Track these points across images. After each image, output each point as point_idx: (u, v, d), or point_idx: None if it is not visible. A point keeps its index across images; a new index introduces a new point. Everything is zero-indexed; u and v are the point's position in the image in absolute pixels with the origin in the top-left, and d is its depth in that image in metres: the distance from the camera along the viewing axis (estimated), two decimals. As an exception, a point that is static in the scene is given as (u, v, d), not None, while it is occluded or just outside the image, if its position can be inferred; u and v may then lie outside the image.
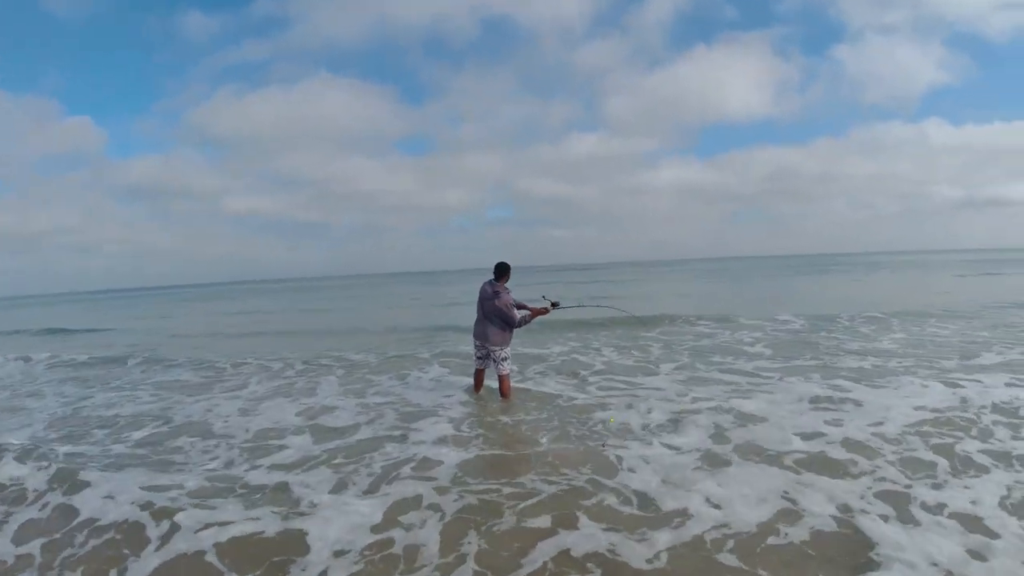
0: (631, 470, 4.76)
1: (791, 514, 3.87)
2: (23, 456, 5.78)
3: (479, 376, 7.65)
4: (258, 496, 4.61)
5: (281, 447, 5.94)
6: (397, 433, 6.21)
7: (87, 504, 4.55)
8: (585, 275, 63.76)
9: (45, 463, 5.48)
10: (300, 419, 7.05)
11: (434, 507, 4.24)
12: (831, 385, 7.34)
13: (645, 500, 4.22)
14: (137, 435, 6.78)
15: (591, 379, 8.55)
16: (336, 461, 5.36)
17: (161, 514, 4.23)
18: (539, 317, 7.29)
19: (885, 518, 3.79)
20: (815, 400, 6.67)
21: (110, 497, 4.60)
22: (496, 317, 7.01)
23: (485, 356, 7.28)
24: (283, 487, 4.76)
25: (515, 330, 7.19)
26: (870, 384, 7.32)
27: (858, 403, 6.46)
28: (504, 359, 7.17)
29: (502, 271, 7.10)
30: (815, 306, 17.50)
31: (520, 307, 7.21)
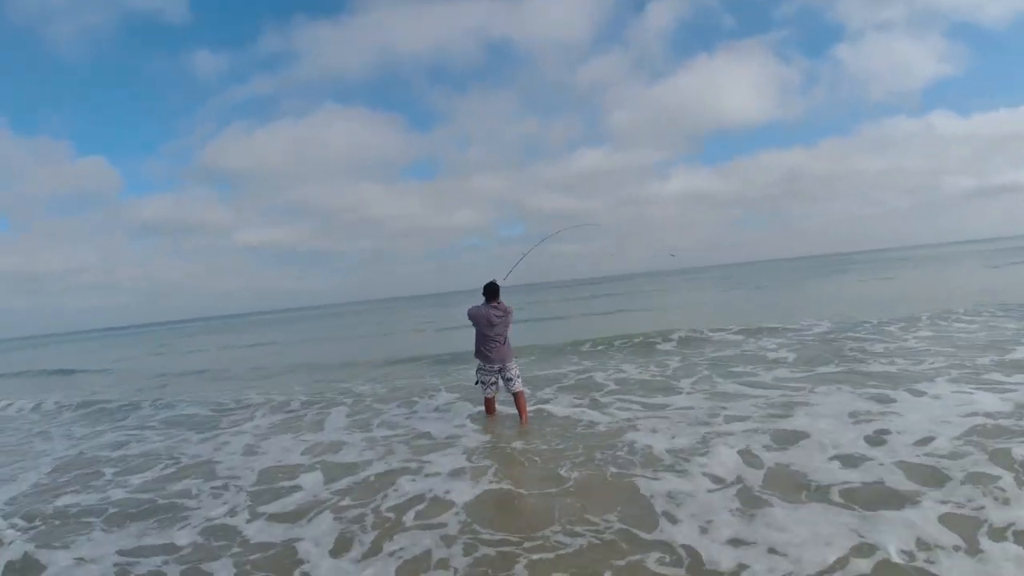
0: (669, 516, 4.12)
1: (865, 558, 3.33)
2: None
3: (492, 403, 7.52)
4: (255, 558, 4.16)
5: (287, 489, 5.58)
6: (408, 467, 5.85)
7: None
8: (597, 289, 62.59)
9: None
10: (307, 457, 6.69)
11: (443, 564, 3.78)
12: (870, 396, 6.85)
13: (693, 556, 3.55)
14: (138, 479, 6.47)
15: (610, 399, 8.11)
16: (343, 504, 4.97)
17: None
18: None
19: (958, 549, 3.35)
20: (856, 415, 6.11)
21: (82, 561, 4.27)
22: (506, 335, 7.08)
23: (495, 380, 7.21)
24: (282, 546, 4.31)
25: None
26: (911, 391, 6.85)
27: (902, 415, 5.97)
28: (518, 376, 7.20)
29: (496, 290, 7.09)
30: (840, 309, 16.86)
31: None
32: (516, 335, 7.62)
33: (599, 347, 13.67)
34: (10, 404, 14.11)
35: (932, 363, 8.32)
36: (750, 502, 4.21)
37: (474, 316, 7.11)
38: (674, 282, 61.00)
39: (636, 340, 13.75)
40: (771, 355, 10.30)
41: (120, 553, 4.43)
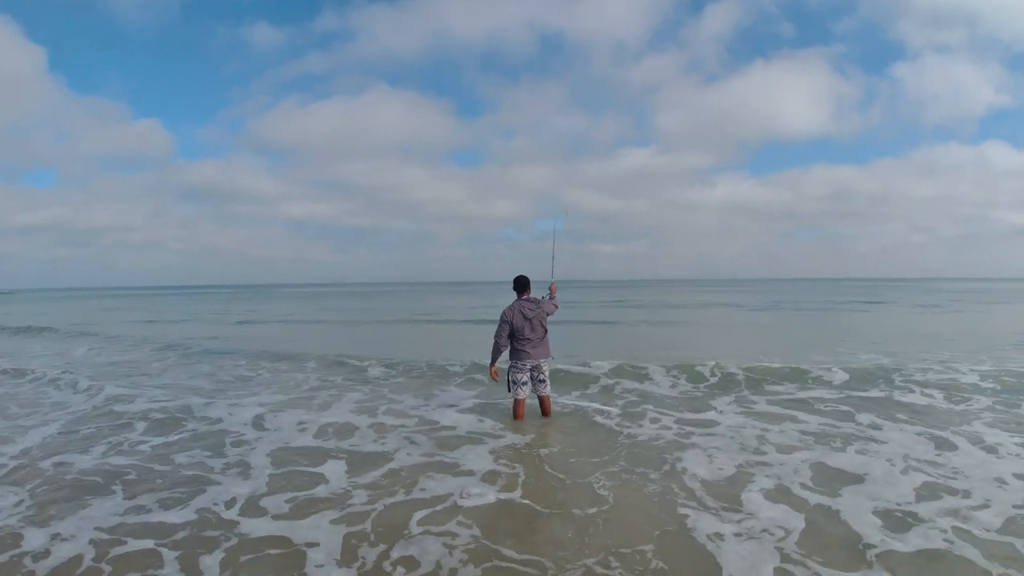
0: (711, 560, 3.57)
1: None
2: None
3: (521, 406, 6.92)
4: (246, 559, 3.70)
5: (297, 474, 5.25)
6: (429, 462, 5.51)
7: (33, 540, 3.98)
8: (629, 293, 59.53)
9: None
10: (320, 440, 6.37)
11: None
12: (927, 439, 6.14)
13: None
14: (145, 445, 6.27)
15: (647, 409, 7.59)
16: (351, 503, 4.57)
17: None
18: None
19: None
20: (918, 461, 5.39)
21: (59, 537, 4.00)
22: (542, 331, 6.79)
23: (527, 380, 6.84)
24: (278, 546, 3.85)
25: None
26: (970, 439, 6.09)
27: (962, 471, 5.15)
28: (549, 376, 7.01)
29: (526, 284, 6.82)
30: (897, 342, 15.68)
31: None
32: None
33: (630, 349, 13.06)
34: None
35: (993, 411, 7.45)
36: (790, 558, 3.63)
37: (506, 315, 6.70)
38: (714, 294, 58.48)
39: (672, 348, 13.09)
40: (823, 377, 9.54)
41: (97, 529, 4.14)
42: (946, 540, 3.79)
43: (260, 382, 10.35)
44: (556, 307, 6.98)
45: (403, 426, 6.92)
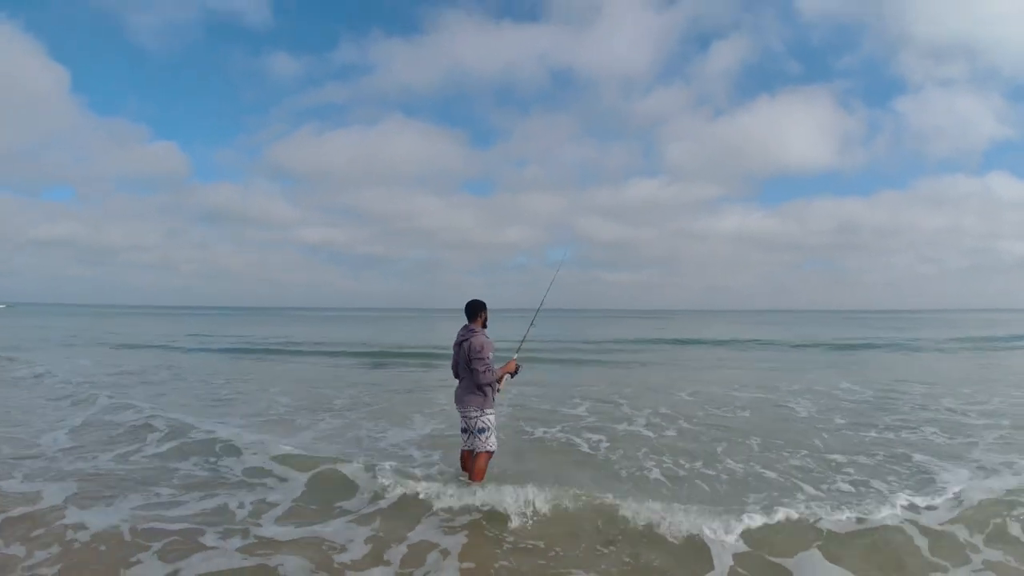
0: None
1: None
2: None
3: (465, 459, 5.59)
4: None
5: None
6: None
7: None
8: (647, 326, 53.08)
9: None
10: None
11: None
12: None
13: None
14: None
15: (643, 461, 6.46)
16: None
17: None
18: (507, 377, 5.48)
19: None
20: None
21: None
22: (467, 369, 5.27)
23: (466, 429, 5.41)
24: None
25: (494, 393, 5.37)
26: None
27: None
28: (483, 430, 5.23)
29: (475, 310, 5.35)
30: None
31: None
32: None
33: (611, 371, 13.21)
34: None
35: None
36: None
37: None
38: (743, 326, 50.15)
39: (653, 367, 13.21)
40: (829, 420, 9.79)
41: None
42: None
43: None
44: (485, 366, 5.13)
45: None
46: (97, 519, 4.54)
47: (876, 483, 5.63)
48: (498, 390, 5.34)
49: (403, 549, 4.21)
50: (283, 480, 5.69)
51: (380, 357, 20.10)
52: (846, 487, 5.58)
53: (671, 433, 7.88)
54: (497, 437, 5.40)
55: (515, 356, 5.64)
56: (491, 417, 5.27)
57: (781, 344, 27.75)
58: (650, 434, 7.80)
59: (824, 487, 5.59)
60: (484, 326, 5.38)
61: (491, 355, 5.18)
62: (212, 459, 6.37)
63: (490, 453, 5.34)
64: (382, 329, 45.13)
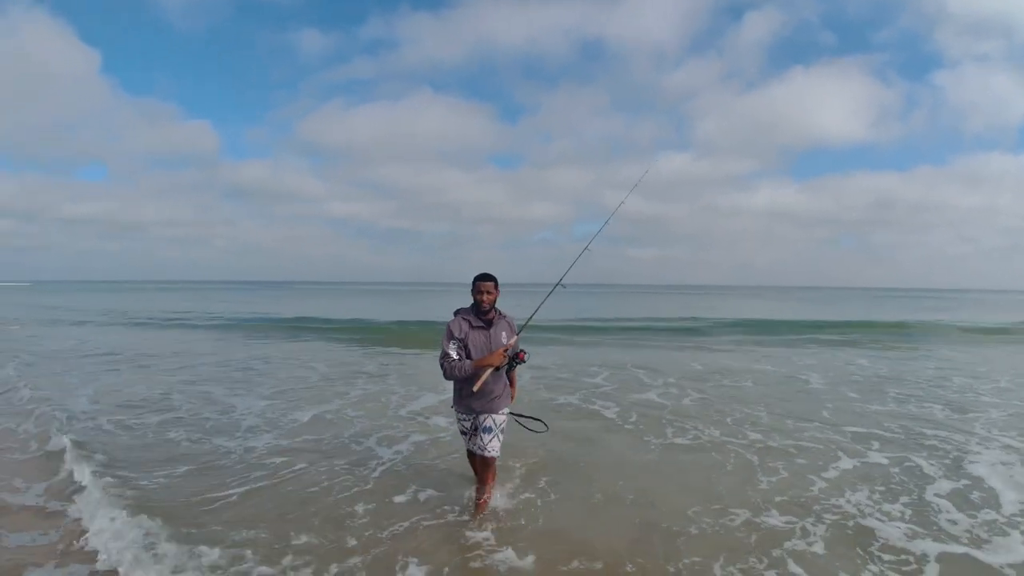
0: None
1: None
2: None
3: (475, 461, 4.55)
4: None
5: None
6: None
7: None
8: (674, 302, 50.41)
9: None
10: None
11: None
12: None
13: None
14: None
15: (673, 436, 6.33)
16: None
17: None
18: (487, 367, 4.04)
19: None
20: None
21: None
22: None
23: (471, 428, 4.34)
24: None
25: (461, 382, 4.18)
26: None
27: None
28: (489, 429, 4.17)
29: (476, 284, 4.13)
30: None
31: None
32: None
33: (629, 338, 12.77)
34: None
35: None
36: None
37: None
38: (767, 309, 42.69)
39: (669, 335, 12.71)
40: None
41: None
42: None
43: None
44: (441, 354, 4.08)
45: None
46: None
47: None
48: (473, 391, 4.02)
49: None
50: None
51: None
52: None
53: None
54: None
55: (512, 340, 4.18)
56: (503, 415, 4.25)
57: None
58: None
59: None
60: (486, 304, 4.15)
61: (448, 341, 3.99)
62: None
63: (495, 457, 4.29)
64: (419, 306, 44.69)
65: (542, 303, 4.57)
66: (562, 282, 4.79)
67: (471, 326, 4.06)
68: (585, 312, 31.50)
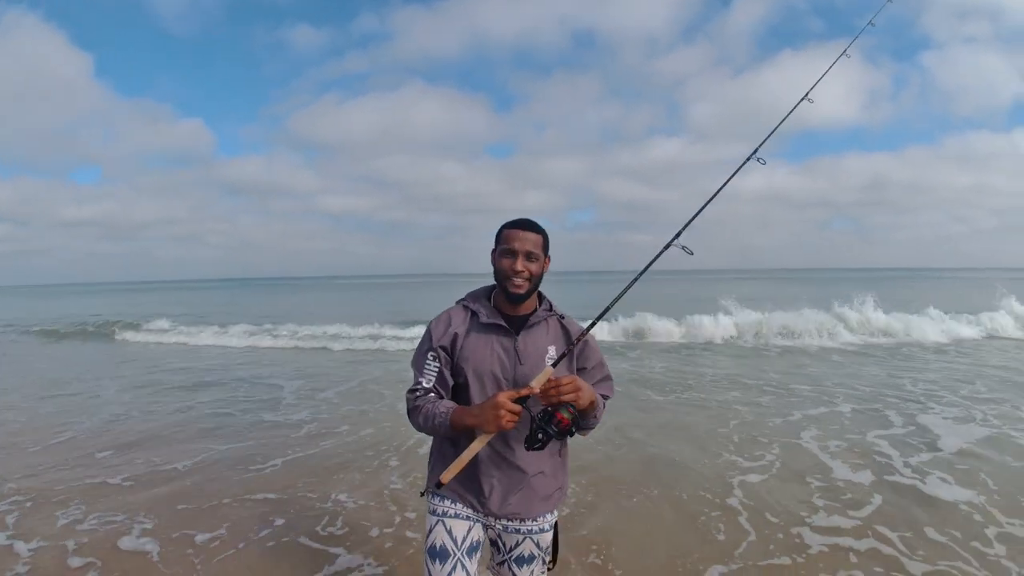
0: None
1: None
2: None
3: None
4: None
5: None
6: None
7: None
8: (677, 289, 47.46)
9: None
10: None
11: None
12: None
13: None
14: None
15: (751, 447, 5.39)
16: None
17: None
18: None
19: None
20: None
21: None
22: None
23: (468, 547, 1.89)
24: None
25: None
26: None
27: None
28: (528, 560, 1.95)
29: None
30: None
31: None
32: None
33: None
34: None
35: None
36: None
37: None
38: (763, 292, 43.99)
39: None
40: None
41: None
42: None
43: None
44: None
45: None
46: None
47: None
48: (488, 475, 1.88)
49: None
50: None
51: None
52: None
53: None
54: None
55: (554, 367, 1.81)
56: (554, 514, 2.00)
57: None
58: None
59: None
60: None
61: (421, 357, 1.92)
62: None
63: None
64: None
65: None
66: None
67: (478, 324, 1.89)
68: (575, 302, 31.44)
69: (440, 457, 1.94)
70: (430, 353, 1.88)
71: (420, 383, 1.88)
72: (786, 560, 3.37)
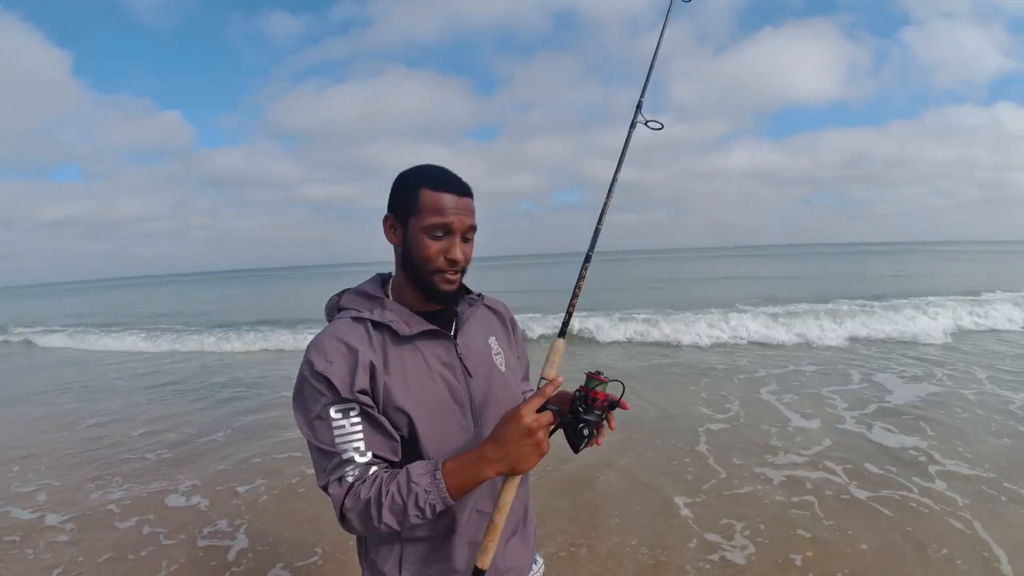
0: None
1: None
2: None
3: None
4: None
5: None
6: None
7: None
8: (644, 269, 43.76)
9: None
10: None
11: None
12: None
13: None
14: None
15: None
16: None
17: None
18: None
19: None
20: None
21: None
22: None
23: None
24: None
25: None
26: None
27: None
28: None
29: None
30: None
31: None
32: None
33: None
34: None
35: None
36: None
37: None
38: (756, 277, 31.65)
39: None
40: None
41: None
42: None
43: None
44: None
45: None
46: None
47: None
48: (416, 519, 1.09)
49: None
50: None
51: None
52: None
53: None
54: None
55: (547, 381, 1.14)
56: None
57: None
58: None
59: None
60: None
61: (325, 411, 1.13)
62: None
63: None
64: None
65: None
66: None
67: (398, 340, 1.19)
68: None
69: (409, 542, 1.21)
70: (335, 408, 1.11)
71: (348, 460, 1.11)
72: (749, 488, 3.87)
